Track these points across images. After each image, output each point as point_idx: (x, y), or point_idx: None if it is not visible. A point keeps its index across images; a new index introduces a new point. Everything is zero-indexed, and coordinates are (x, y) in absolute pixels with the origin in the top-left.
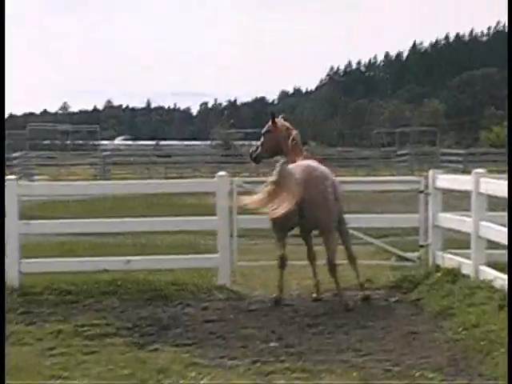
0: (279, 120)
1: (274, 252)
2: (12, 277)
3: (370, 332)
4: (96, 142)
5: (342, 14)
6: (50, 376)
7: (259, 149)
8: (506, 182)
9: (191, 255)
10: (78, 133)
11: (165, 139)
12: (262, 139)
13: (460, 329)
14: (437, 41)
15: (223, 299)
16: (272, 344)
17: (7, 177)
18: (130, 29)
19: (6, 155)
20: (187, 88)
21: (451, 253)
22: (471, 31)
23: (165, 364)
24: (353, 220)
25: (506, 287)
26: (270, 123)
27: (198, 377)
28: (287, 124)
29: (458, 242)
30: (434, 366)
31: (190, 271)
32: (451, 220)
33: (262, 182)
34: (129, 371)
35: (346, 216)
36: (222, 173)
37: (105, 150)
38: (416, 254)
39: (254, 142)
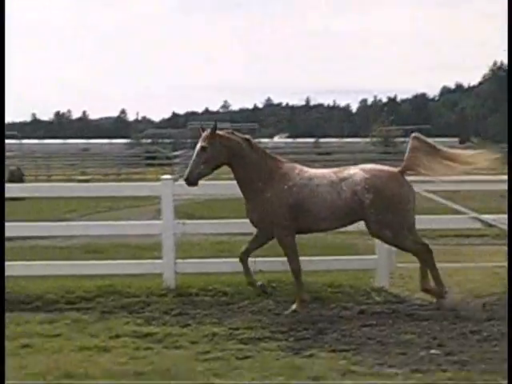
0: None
1: (435, 253)
2: (168, 277)
3: None
4: (256, 140)
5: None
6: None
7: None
8: None
9: (348, 256)
10: (238, 131)
11: (324, 136)
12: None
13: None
14: None
15: (381, 302)
16: (433, 351)
17: (164, 176)
18: (286, 24)
19: (167, 154)
20: (346, 85)
21: None
22: None
23: (320, 371)
24: None
25: None
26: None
27: None
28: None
29: None
30: None
31: (347, 273)
32: None
33: (423, 182)
34: (283, 378)
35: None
36: None
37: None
38: None
39: None
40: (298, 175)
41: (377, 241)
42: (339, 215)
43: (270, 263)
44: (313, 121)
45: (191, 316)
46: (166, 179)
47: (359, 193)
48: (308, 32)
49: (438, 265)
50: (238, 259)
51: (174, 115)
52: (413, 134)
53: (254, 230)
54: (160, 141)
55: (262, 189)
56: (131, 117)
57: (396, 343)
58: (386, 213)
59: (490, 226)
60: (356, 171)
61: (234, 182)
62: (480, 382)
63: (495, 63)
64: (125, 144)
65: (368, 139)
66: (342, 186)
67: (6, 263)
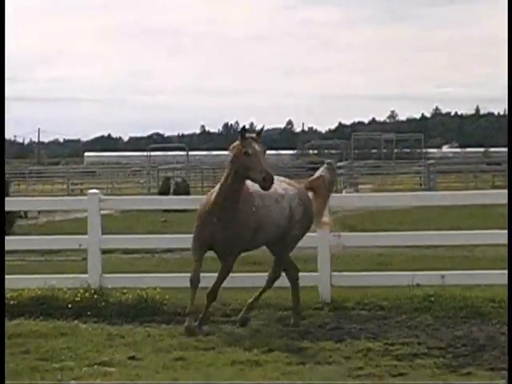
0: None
1: None
2: (324, 291)
3: None
4: (422, 150)
5: None
6: None
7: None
8: None
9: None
10: (404, 141)
11: (494, 146)
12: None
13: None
14: None
15: None
16: None
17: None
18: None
19: (335, 164)
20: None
21: None
22: None
23: None
24: None
25: None
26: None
27: None
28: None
29: None
30: None
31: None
32: None
33: None
34: None
35: None
36: None
37: (431, 158)
38: None
39: None
40: (257, 195)
41: None
42: (278, 231)
43: (428, 277)
44: (482, 130)
45: (346, 331)
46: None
47: (294, 207)
48: (477, 38)
49: None
50: (395, 272)
51: (340, 125)
52: (327, 163)
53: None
54: (326, 151)
55: (237, 209)
56: (298, 128)
57: None
58: (305, 228)
59: None
60: (286, 186)
61: (398, 193)
62: None
63: None
64: (291, 155)
65: None
66: (283, 204)
67: (161, 274)
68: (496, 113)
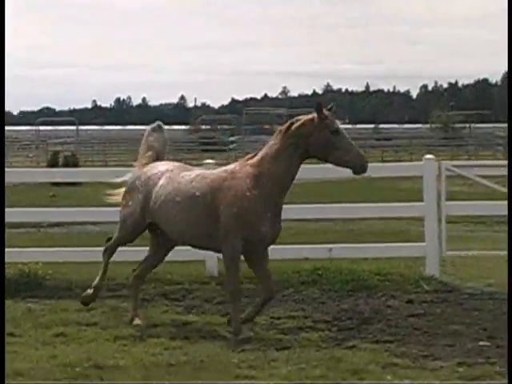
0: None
1: (490, 240)
2: (211, 265)
3: None
4: None
5: None
6: (234, 376)
7: None
8: None
9: (396, 243)
10: (295, 117)
11: (384, 122)
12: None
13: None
14: None
15: (431, 291)
16: (482, 343)
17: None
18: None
19: (224, 139)
20: (406, 71)
21: None
22: None
23: (361, 364)
24: None
25: None
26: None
27: (394, 380)
28: None
29: None
30: None
31: (396, 260)
32: None
33: (474, 166)
34: (321, 372)
35: None
36: (429, 156)
37: None
38: None
39: (473, 125)
40: None
41: (427, 227)
42: None
43: (315, 250)
44: (372, 107)
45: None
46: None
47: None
48: (360, 18)
49: (492, 253)
50: (282, 246)
51: (233, 101)
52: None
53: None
54: (219, 127)
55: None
56: (190, 103)
57: (443, 334)
58: None
59: None
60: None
61: None
62: None
63: None
64: (183, 130)
65: (428, 125)
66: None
67: (44, 249)
68: (386, 90)
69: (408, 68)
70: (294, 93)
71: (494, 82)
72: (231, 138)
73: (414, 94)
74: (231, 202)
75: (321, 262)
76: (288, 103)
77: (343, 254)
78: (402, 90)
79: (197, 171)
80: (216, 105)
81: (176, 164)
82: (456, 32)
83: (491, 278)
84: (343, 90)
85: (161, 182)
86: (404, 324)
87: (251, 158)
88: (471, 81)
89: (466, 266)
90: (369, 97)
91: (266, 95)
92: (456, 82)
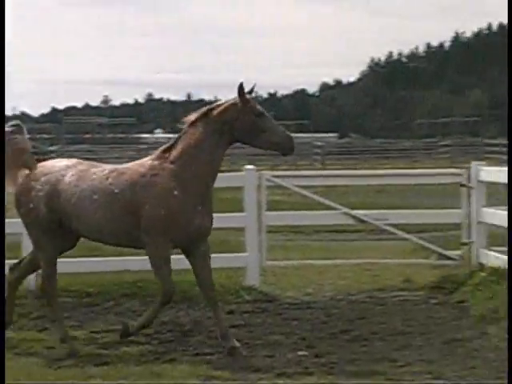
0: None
1: (309, 249)
2: (28, 279)
3: (409, 339)
4: (136, 136)
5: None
6: None
7: None
8: None
9: (218, 254)
10: (117, 126)
11: None
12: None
13: (507, 335)
14: (479, 31)
15: (251, 301)
16: (301, 353)
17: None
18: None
19: (44, 148)
20: (227, 80)
21: (496, 251)
22: None
23: (180, 378)
24: (390, 215)
25: None
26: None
27: None
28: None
29: (503, 239)
30: (479, 380)
31: (218, 271)
32: (496, 215)
33: (294, 177)
34: None
35: (384, 212)
36: (249, 166)
37: (144, 143)
38: (458, 252)
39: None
40: None
41: (247, 237)
42: None
43: (138, 262)
44: None
45: (50, 318)
46: None
47: None
48: (187, 25)
49: (311, 262)
50: (102, 258)
51: (54, 110)
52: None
53: None
54: (38, 136)
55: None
56: (9, 112)
57: (263, 345)
58: None
59: (362, 221)
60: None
61: None
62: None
63: (372, 59)
64: None
65: None
66: None
67: None
68: (207, 99)
69: (229, 77)
70: (115, 102)
71: (311, 92)
72: (51, 148)
73: None
74: (157, 202)
75: (141, 274)
76: (109, 112)
77: None
78: (223, 99)
79: (107, 166)
80: (36, 113)
81: (73, 160)
82: (273, 42)
83: (309, 287)
84: (165, 99)
85: (67, 178)
86: None
87: (167, 150)
88: (290, 91)
89: (286, 275)
90: (191, 106)
91: (87, 104)
92: (275, 92)
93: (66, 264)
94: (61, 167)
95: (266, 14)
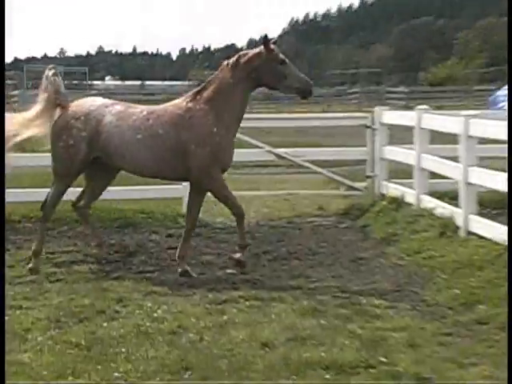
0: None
1: (238, 182)
2: None
3: (321, 258)
4: (87, 82)
5: None
6: (9, 306)
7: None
8: (447, 118)
9: (159, 186)
10: (72, 74)
11: (149, 80)
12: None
13: (403, 255)
14: None
15: None
16: (229, 271)
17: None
18: None
19: (7, 92)
20: (168, 34)
21: (395, 183)
22: None
23: (124, 293)
24: (307, 153)
25: (446, 215)
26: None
27: (154, 307)
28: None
29: (401, 172)
30: (379, 292)
31: (159, 201)
32: (396, 153)
33: None
34: (89, 301)
35: (302, 150)
36: None
37: (95, 89)
38: (363, 184)
39: None
40: None
41: None
42: None
43: None
44: (139, 66)
45: (11, 241)
46: None
47: None
48: None
49: (239, 193)
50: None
51: (16, 60)
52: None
53: None
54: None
55: None
56: None
57: (197, 264)
58: None
59: (282, 158)
60: (140, 106)
61: None
62: (267, 296)
63: (292, 19)
64: None
65: (186, 82)
66: None
67: None
68: (150, 52)
69: (169, 32)
70: (70, 53)
71: (240, 46)
72: (14, 92)
73: (175, 55)
74: (201, 141)
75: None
76: (65, 62)
77: (112, 196)
78: (164, 53)
79: (143, 107)
80: None
81: (107, 100)
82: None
83: None
84: (114, 51)
85: (107, 118)
86: (164, 256)
87: (198, 93)
88: (222, 45)
89: (217, 203)
90: (136, 57)
91: (45, 54)
92: (209, 46)
93: (28, 194)
94: (99, 107)
95: None
